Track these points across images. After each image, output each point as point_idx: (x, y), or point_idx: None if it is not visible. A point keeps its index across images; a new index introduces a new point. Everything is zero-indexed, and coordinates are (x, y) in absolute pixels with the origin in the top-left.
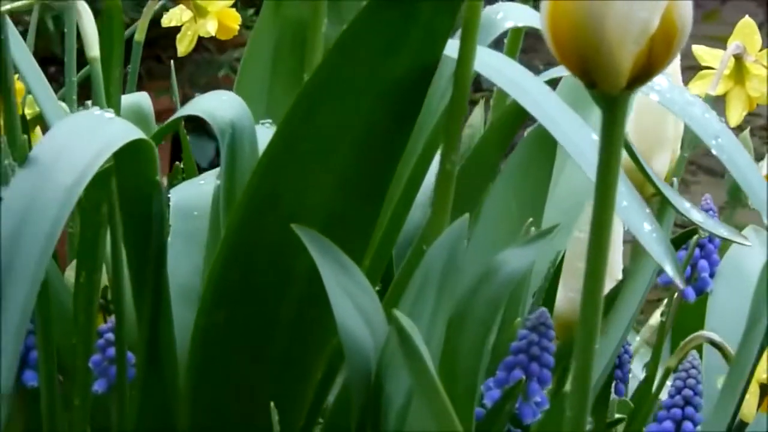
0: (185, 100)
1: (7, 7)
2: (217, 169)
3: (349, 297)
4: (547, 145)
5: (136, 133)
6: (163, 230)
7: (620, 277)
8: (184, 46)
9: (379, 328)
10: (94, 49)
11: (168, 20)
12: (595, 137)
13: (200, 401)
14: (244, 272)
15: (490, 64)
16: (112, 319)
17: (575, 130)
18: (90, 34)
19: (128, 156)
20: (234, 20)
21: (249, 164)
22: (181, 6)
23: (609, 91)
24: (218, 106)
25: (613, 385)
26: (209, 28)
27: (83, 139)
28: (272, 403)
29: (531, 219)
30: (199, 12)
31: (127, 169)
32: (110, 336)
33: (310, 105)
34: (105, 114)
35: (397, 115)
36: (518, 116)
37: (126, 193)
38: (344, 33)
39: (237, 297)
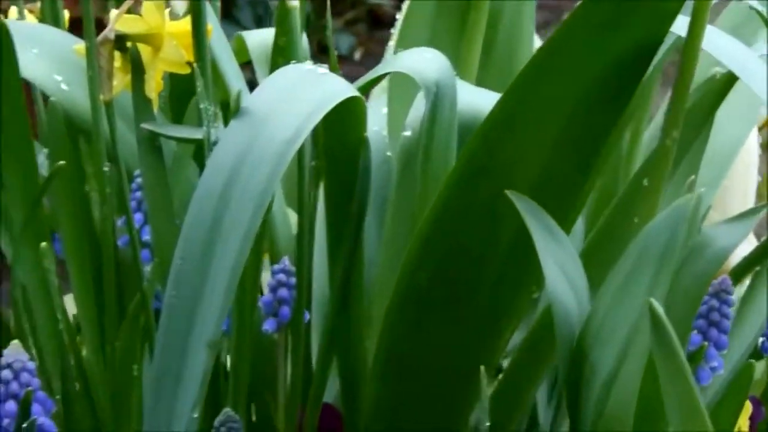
0: None
1: None
2: None
3: (558, 264)
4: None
5: (350, 90)
6: (368, 187)
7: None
8: None
9: (582, 294)
10: None
11: None
12: None
13: (394, 358)
14: (452, 234)
15: (716, 42)
16: (285, 260)
17: None
18: None
19: (339, 112)
20: None
21: (448, 123)
22: None
23: None
24: (424, 64)
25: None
26: None
27: (298, 93)
28: (482, 368)
29: (692, 177)
30: None
31: (337, 126)
32: (281, 277)
33: (533, 78)
34: (318, 69)
35: (615, 90)
36: (725, 89)
37: (333, 149)
38: (572, 12)
39: (443, 258)
